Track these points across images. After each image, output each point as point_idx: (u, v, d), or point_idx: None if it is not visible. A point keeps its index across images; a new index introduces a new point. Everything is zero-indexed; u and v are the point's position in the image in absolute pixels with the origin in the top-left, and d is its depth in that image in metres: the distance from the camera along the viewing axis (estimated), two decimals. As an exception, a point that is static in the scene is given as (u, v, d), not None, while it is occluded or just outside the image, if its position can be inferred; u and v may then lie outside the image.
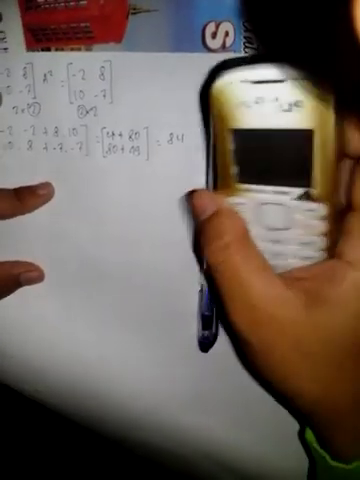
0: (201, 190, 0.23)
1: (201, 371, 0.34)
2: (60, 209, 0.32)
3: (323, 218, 0.22)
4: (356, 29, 0.11)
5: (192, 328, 0.33)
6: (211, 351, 0.33)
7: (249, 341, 0.22)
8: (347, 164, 0.22)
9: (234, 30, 0.28)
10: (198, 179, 0.29)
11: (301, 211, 0.22)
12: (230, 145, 0.21)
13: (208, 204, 0.23)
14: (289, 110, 0.20)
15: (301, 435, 0.30)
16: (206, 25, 0.28)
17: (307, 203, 0.22)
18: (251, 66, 0.20)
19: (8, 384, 0.37)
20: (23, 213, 0.32)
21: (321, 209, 0.22)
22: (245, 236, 0.22)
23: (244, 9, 0.26)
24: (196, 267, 0.31)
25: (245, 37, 0.28)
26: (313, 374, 0.23)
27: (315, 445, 0.26)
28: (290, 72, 0.19)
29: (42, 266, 0.34)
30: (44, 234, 0.33)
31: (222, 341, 0.33)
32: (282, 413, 0.34)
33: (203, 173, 0.29)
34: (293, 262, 0.24)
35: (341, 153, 0.21)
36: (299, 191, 0.22)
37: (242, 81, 0.20)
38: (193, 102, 0.29)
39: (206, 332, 0.33)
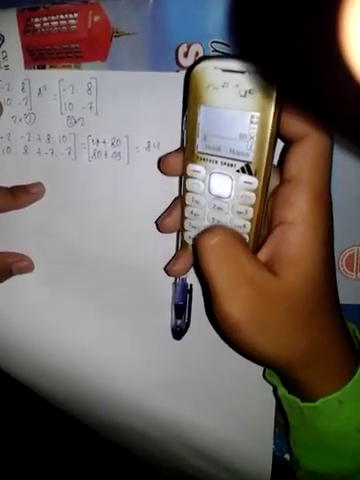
0: None
1: (174, 358, 0.35)
2: (50, 206, 0.34)
3: (256, 191, 0.24)
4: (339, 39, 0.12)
5: (166, 317, 0.34)
6: (184, 339, 0.34)
7: (243, 324, 0.24)
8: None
9: (203, 50, 0.30)
10: (171, 180, 0.31)
11: (241, 182, 0.25)
12: (198, 118, 0.24)
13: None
14: (244, 96, 0.23)
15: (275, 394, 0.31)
16: (179, 46, 0.30)
17: (246, 176, 0.24)
18: (223, 58, 0.24)
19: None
20: (16, 208, 0.33)
21: (255, 182, 0.24)
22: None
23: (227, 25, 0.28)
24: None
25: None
26: (300, 329, 0.24)
27: (287, 395, 0.28)
28: (250, 67, 0.22)
29: (32, 257, 0.35)
30: (35, 228, 0.34)
31: (194, 329, 0.34)
32: (251, 397, 0.34)
33: (176, 177, 0.31)
34: None
35: (275, 137, 0.24)
36: (241, 164, 0.24)
37: (215, 68, 0.23)
38: (168, 114, 0.30)
39: (179, 321, 0.34)
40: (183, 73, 0.30)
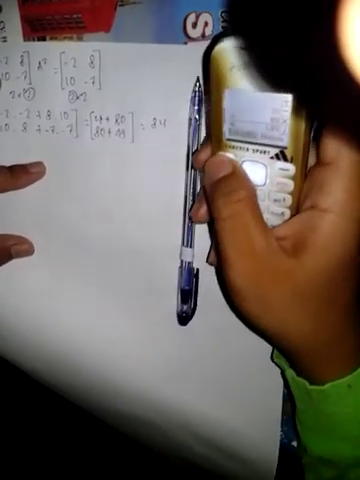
0: (219, 154, 0.24)
1: (179, 344, 0.34)
2: (50, 187, 0.32)
3: (293, 177, 0.22)
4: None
5: (172, 302, 0.32)
6: (189, 324, 0.33)
7: (246, 294, 0.23)
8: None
9: (213, 20, 0.28)
10: (178, 160, 0.29)
11: (276, 169, 0.23)
12: (223, 104, 0.22)
13: (225, 164, 0.23)
14: None
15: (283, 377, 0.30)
16: (187, 16, 0.28)
17: (281, 162, 0.22)
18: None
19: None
20: (15, 188, 0.31)
21: (292, 169, 0.22)
22: (254, 195, 0.23)
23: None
24: (177, 244, 0.31)
25: (223, 27, 0.28)
26: (304, 313, 0.23)
27: (295, 377, 0.27)
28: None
29: (32, 240, 0.33)
30: (35, 209, 0.33)
31: (200, 315, 0.32)
32: (258, 384, 0.33)
33: (183, 154, 0.29)
34: (266, 217, 0.24)
35: (312, 119, 0.21)
36: (276, 151, 0.22)
37: (235, 47, 0.21)
38: (174, 89, 0.29)
39: (185, 306, 0.32)
40: (191, 45, 0.28)
